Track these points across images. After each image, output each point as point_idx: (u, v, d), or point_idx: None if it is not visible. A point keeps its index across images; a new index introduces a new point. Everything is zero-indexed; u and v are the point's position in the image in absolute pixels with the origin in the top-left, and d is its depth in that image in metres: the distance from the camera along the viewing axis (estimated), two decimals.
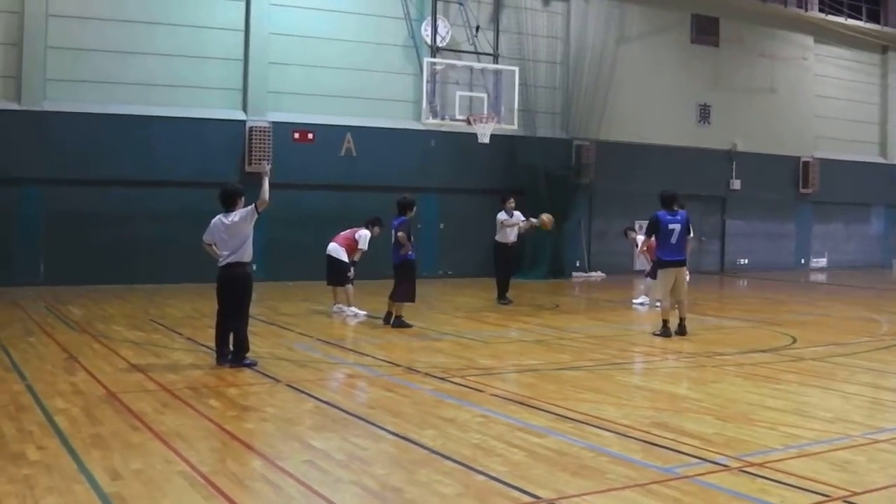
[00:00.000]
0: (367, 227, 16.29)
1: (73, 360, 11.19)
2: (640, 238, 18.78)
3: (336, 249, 16.25)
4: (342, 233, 16.49)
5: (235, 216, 10.87)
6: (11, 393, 9.18)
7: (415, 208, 15.31)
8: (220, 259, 10.92)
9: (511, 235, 19.18)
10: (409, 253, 14.97)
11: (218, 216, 11.02)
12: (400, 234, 14.83)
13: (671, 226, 14.13)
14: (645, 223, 15.38)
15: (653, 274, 17.76)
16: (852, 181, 32.54)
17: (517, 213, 19.35)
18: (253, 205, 10.81)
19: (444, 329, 15.00)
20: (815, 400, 9.69)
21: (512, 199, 19.47)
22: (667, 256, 14.25)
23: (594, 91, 26.59)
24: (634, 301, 19.17)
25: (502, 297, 19.12)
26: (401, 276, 15.03)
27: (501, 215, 19.18)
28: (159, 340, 13.12)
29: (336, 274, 16.29)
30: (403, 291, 14.98)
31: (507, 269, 19.36)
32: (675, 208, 14.29)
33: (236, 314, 10.96)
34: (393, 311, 15.12)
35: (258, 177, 11.43)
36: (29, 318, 15.41)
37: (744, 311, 18.92)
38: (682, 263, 14.37)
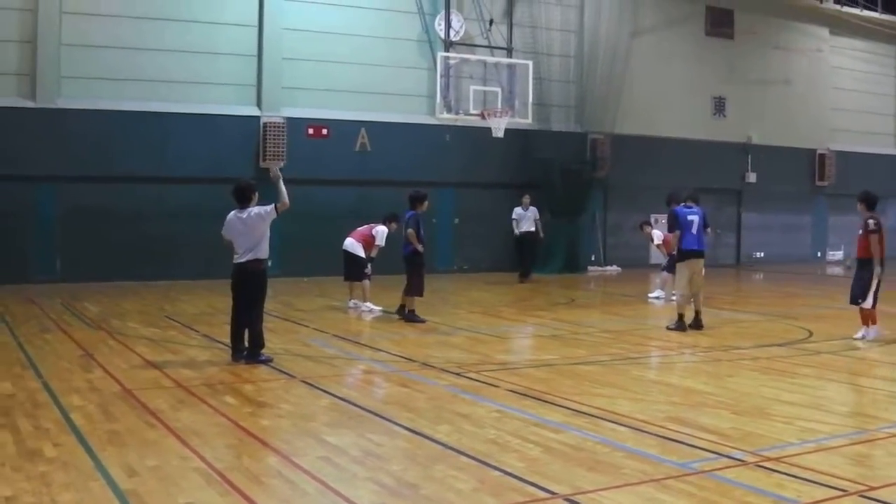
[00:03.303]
0: (384, 224, 16.35)
1: (88, 357, 11.23)
2: (656, 232, 18.78)
3: (353, 245, 16.27)
4: (359, 228, 16.54)
5: (252, 212, 10.89)
6: (28, 390, 9.22)
7: (426, 202, 15.32)
8: (236, 255, 10.94)
9: (521, 226, 22.66)
10: (419, 247, 15.00)
11: (233, 212, 11.03)
12: (409, 231, 14.91)
13: (690, 217, 14.25)
14: (660, 216, 15.51)
15: (669, 268, 17.75)
16: (868, 173, 32.15)
17: (532, 209, 22.49)
18: (273, 205, 10.82)
19: (459, 324, 14.99)
20: (831, 394, 9.66)
21: (526, 196, 22.58)
22: (687, 246, 14.26)
23: (608, 84, 26.47)
24: (650, 295, 19.12)
25: (521, 277, 22.60)
26: (411, 269, 15.06)
27: (515, 211, 22.79)
28: (175, 337, 13.15)
29: (353, 269, 16.33)
30: (414, 286, 15.02)
31: (519, 256, 22.99)
32: (690, 203, 14.39)
33: (251, 310, 10.98)
34: (406, 305, 15.16)
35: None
36: (45, 314, 15.47)
37: (760, 304, 18.88)
38: (701, 255, 14.39)
